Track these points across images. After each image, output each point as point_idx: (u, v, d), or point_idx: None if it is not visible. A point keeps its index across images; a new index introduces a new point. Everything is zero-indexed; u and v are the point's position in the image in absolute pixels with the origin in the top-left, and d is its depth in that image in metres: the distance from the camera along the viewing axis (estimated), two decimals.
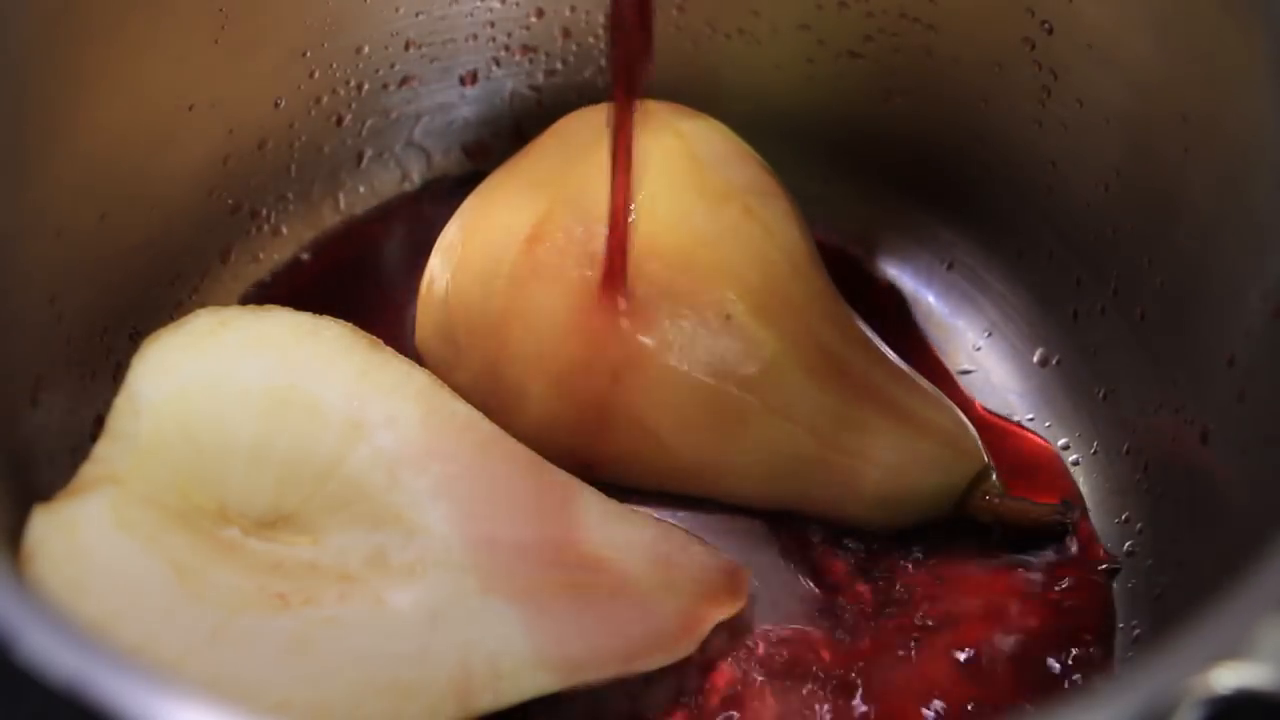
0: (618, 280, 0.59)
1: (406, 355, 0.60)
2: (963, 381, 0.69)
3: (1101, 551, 0.63)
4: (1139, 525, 0.64)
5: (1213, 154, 0.59)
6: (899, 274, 0.72)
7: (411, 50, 0.72)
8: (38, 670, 0.40)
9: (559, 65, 0.74)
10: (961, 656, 0.59)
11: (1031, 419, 0.68)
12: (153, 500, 0.54)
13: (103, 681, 0.40)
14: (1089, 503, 0.65)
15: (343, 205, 0.73)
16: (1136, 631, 0.61)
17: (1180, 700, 0.42)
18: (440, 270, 0.65)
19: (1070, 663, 0.59)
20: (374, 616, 0.54)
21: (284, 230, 0.71)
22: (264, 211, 0.71)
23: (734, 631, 0.59)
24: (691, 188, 0.62)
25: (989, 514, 0.62)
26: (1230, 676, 0.42)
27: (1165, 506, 0.63)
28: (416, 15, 0.71)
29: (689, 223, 0.61)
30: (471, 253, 0.63)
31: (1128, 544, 0.63)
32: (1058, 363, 0.68)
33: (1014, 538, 0.62)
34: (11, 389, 0.58)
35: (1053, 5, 0.64)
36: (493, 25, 0.73)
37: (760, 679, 0.58)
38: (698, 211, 0.62)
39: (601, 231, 0.60)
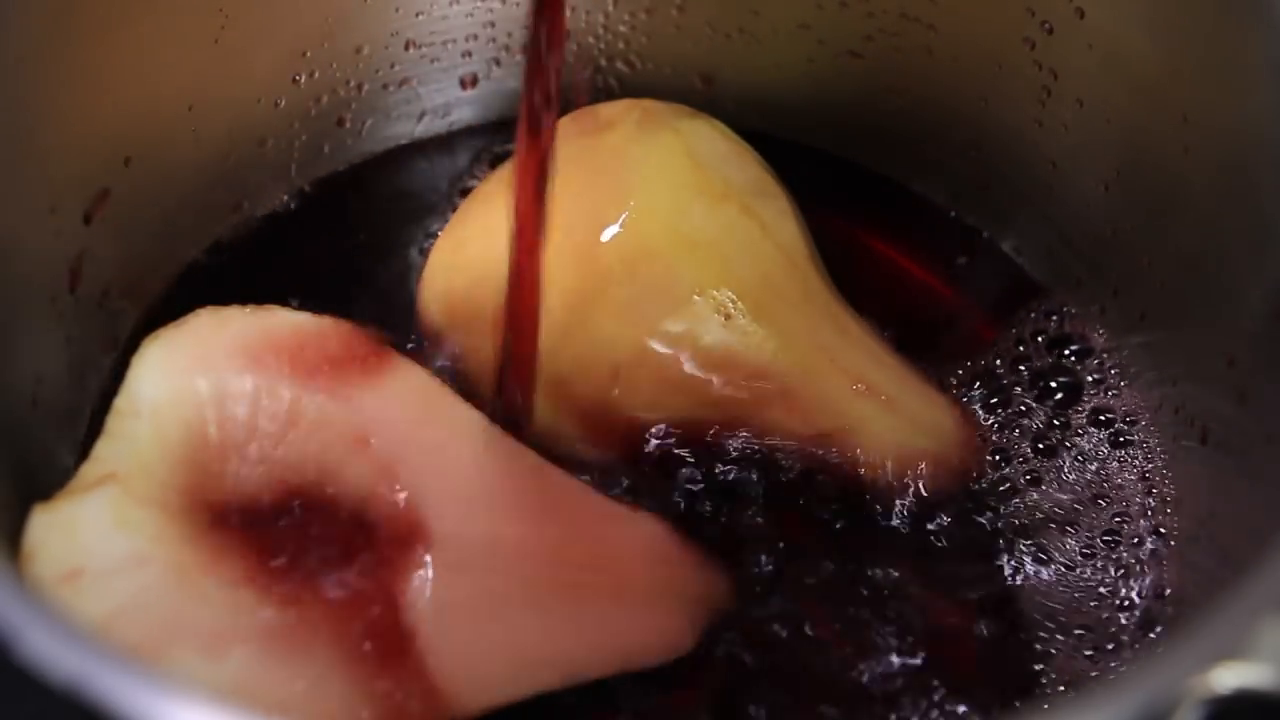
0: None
1: (406, 355, 0.60)
2: None
3: None
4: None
5: (1213, 154, 0.59)
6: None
7: (411, 50, 0.72)
8: (38, 670, 0.40)
9: None
10: (963, 648, 0.59)
11: None
12: (153, 500, 0.54)
13: (103, 681, 0.40)
14: None
15: (343, 205, 0.73)
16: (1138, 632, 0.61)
17: (1180, 700, 0.42)
18: (440, 271, 0.65)
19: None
20: (375, 615, 0.54)
21: (284, 230, 0.71)
22: (264, 211, 0.71)
23: (732, 630, 0.59)
24: (690, 187, 0.62)
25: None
26: (1230, 676, 0.42)
27: (1164, 507, 0.63)
28: (416, 15, 0.71)
29: (688, 222, 0.61)
30: (471, 254, 0.63)
31: None
32: None
33: None
34: (12, 389, 0.58)
35: (1053, 5, 0.64)
36: (493, 25, 0.73)
37: (759, 676, 0.58)
38: (696, 211, 0.62)
39: (601, 232, 0.60)
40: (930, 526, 0.62)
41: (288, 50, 0.69)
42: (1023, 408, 0.66)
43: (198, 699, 0.40)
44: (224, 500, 0.56)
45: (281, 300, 0.61)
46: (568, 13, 0.54)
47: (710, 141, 0.64)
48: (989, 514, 0.63)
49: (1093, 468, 0.65)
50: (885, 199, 0.73)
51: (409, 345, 0.65)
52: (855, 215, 0.72)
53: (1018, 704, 0.58)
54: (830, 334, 0.63)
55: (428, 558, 0.56)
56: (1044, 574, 0.62)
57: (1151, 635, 0.60)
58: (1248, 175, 0.57)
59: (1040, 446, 0.65)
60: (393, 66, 0.72)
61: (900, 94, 0.70)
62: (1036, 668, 0.59)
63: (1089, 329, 0.68)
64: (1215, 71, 0.58)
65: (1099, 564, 0.62)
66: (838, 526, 0.62)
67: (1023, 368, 0.67)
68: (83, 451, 0.56)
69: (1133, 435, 0.65)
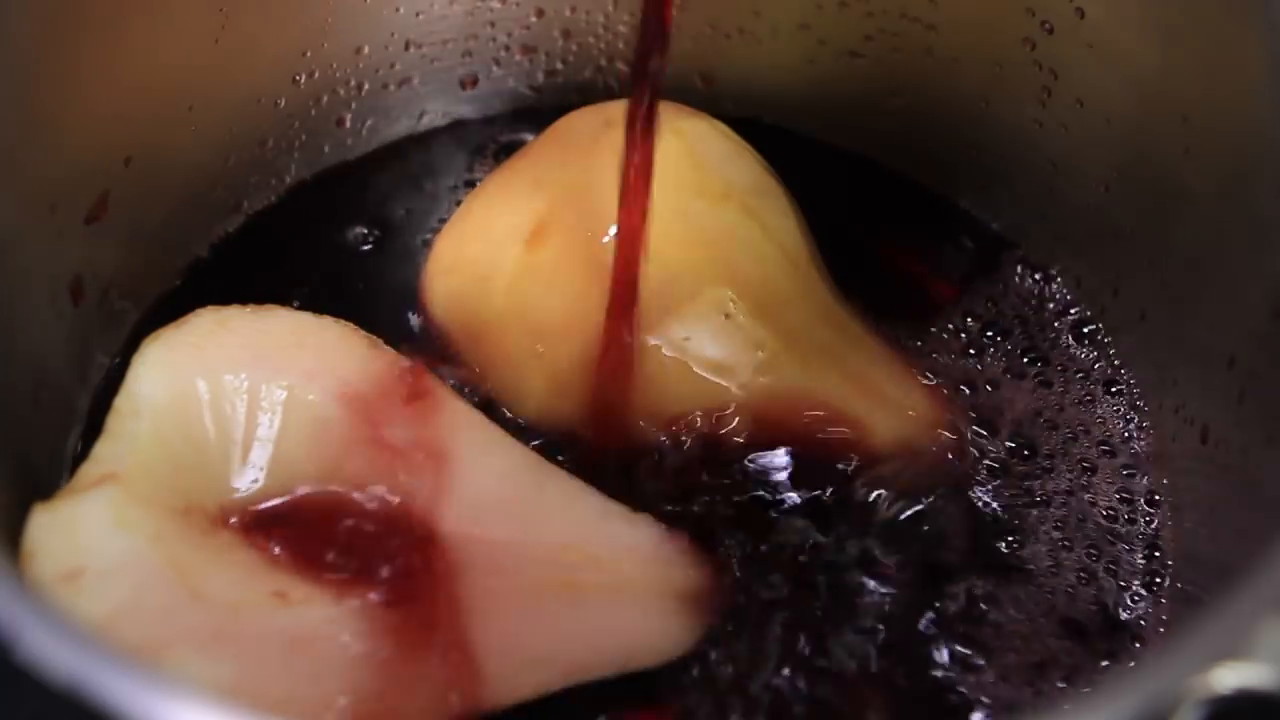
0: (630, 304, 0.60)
1: (407, 355, 0.60)
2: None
3: None
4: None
5: (1213, 154, 0.59)
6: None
7: (411, 50, 0.72)
8: (38, 670, 0.40)
9: (559, 65, 0.74)
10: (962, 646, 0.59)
11: None
12: (153, 500, 0.54)
13: (103, 681, 0.40)
14: None
15: (343, 205, 0.73)
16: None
17: (1180, 700, 0.42)
18: (441, 270, 0.65)
19: None
20: (374, 615, 0.54)
21: (284, 230, 0.71)
22: (264, 211, 0.71)
23: (731, 630, 0.59)
24: (691, 187, 0.62)
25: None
26: (1230, 676, 0.42)
27: (1164, 506, 0.63)
28: (416, 15, 0.71)
29: (688, 222, 0.61)
30: (472, 252, 0.63)
31: None
32: None
33: None
34: (12, 389, 0.58)
35: (1053, 5, 0.64)
36: (493, 25, 0.73)
37: (759, 676, 0.58)
38: (697, 210, 0.62)
39: (601, 232, 0.60)
40: (930, 524, 0.62)
41: (288, 50, 0.69)
42: (1021, 406, 0.66)
43: (198, 699, 0.40)
44: (224, 500, 0.56)
45: (282, 300, 0.61)
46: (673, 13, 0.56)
47: (710, 141, 0.64)
48: (989, 512, 0.63)
49: (1092, 467, 0.65)
50: (885, 198, 0.73)
51: (409, 343, 0.65)
52: (855, 214, 0.72)
53: (1016, 704, 0.58)
54: (830, 333, 0.63)
55: (428, 559, 0.56)
56: (1043, 573, 0.62)
57: (1150, 635, 0.60)
58: (1248, 175, 0.57)
59: (1038, 445, 0.65)
60: (393, 66, 0.72)
61: (900, 94, 0.70)
62: (1035, 665, 0.59)
63: (1089, 328, 0.68)
64: (1215, 71, 0.58)
65: (1097, 563, 0.62)
66: (838, 525, 0.62)
67: (1022, 366, 0.67)
68: (83, 451, 0.56)
69: (1132, 434, 0.65)
